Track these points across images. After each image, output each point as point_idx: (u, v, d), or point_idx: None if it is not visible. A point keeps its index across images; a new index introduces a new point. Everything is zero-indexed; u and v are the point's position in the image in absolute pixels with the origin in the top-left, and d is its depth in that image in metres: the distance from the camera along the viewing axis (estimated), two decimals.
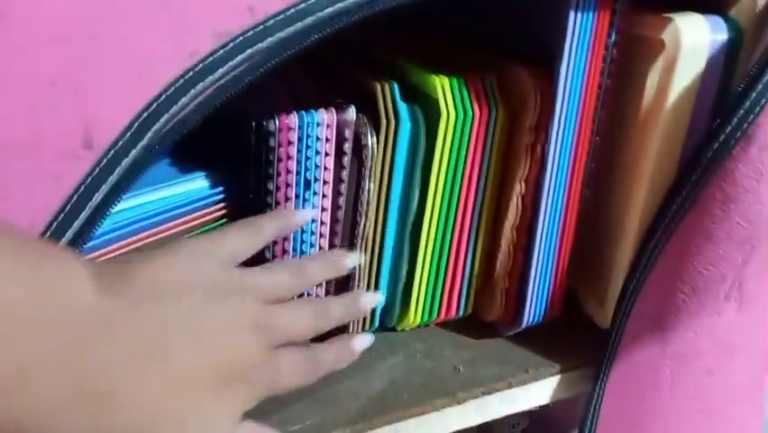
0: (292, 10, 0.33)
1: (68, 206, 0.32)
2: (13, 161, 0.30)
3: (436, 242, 0.51)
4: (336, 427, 0.46)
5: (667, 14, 0.44)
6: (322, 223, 0.49)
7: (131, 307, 0.33)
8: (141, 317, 0.34)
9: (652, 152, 0.46)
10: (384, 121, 0.46)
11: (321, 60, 0.54)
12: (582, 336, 0.53)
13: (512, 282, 0.52)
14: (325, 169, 0.47)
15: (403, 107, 0.46)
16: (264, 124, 0.44)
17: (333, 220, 0.49)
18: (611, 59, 0.46)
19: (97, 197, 0.32)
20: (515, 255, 0.51)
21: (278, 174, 0.46)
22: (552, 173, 0.48)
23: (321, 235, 0.49)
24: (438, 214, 0.50)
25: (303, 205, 0.47)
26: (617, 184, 0.50)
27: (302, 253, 0.49)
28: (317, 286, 0.51)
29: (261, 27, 0.33)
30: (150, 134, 0.32)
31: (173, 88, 0.32)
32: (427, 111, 0.47)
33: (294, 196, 0.47)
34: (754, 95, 0.40)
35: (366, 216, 0.49)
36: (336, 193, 0.48)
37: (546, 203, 0.49)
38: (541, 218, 0.49)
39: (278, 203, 0.47)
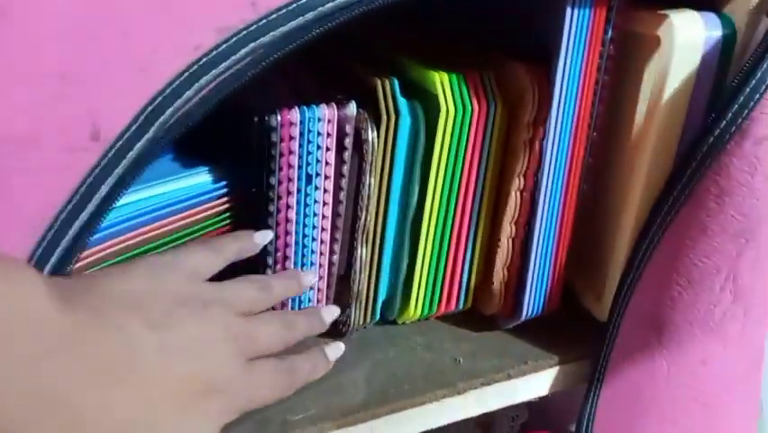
0: (294, 5, 0.34)
1: (76, 197, 0.33)
2: (22, 154, 0.31)
3: (436, 236, 0.52)
4: (339, 416, 0.47)
5: (662, 11, 0.44)
6: (323, 217, 0.49)
7: (90, 318, 0.32)
8: (102, 329, 0.33)
9: (648, 146, 0.47)
10: (384, 116, 0.47)
11: (322, 56, 0.55)
12: (580, 329, 0.54)
13: (511, 276, 0.53)
14: (326, 163, 0.48)
15: (403, 103, 0.47)
16: (266, 119, 0.45)
17: (335, 214, 0.50)
18: (608, 56, 0.47)
19: (104, 189, 0.33)
20: (513, 249, 0.52)
21: (280, 169, 0.47)
22: (549, 168, 0.49)
23: (323, 230, 0.50)
24: (438, 208, 0.50)
25: (305, 199, 0.48)
26: (614, 179, 0.51)
27: (304, 247, 0.50)
28: (318, 278, 0.52)
29: (264, 22, 0.33)
30: (155, 127, 0.33)
31: (178, 82, 0.32)
32: (427, 106, 0.47)
33: (295, 190, 0.48)
34: (747, 90, 0.40)
35: (367, 211, 0.50)
36: (337, 187, 0.49)
37: (544, 197, 0.49)
38: (539, 213, 0.50)
39: (279, 197, 0.48)
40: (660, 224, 0.46)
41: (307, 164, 0.47)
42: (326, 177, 0.48)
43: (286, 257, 0.50)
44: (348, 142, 0.47)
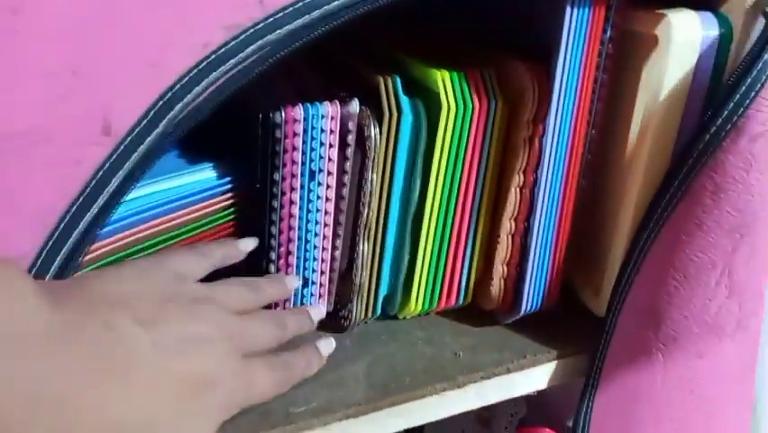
0: (300, 3, 0.34)
1: (87, 190, 0.33)
2: (35, 147, 0.31)
3: (437, 232, 0.52)
4: (341, 408, 0.48)
5: (660, 11, 0.45)
6: (326, 213, 0.50)
7: (79, 318, 0.32)
8: (92, 328, 0.32)
9: (645, 144, 0.47)
10: (387, 113, 0.47)
11: (325, 55, 0.55)
12: (579, 324, 0.55)
13: (510, 272, 0.54)
14: (329, 160, 0.48)
15: (405, 100, 0.48)
16: (270, 116, 0.46)
17: (337, 210, 0.51)
18: (607, 54, 0.47)
19: (114, 182, 0.34)
20: (513, 245, 0.53)
21: (284, 165, 0.48)
22: (549, 165, 0.49)
23: (325, 225, 0.51)
24: (439, 204, 0.51)
25: (308, 195, 0.49)
26: (613, 176, 0.52)
27: (307, 242, 0.51)
28: (320, 273, 0.53)
29: (271, 20, 0.34)
30: (165, 122, 0.33)
31: (187, 78, 0.33)
32: (429, 104, 0.48)
33: (299, 186, 0.48)
34: (743, 88, 0.41)
35: (369, 207, 0.50)
36: (340, 184, 0.50)
37: (544, 194, 0.50)
38: (538, 209, 0.51)
39: (283, 193, 0.48)
40: (657, 220, 0.46)
41: (311, 160, 0.48)
42: (329, 173, 0.49)
43: (289, 252, 0.51)
44: (351, 138, 0.48)
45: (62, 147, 0.32)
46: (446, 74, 0.47)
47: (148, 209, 0.46)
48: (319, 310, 0.52)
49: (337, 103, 0.47)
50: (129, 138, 0.33)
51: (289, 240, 0.50)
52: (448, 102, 0.47)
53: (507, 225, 0.52)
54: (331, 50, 0.55)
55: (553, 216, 0.51)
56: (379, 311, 0.56)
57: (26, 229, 0.33)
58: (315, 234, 0.51)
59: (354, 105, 0.47)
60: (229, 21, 0.33)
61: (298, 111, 0.46)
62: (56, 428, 0.29)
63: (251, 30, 0.34)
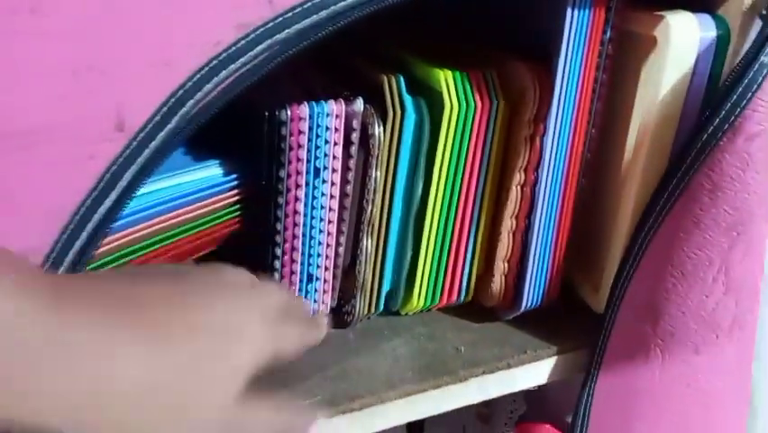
0: (309, 3, 0.35)
1: (100, 185, 0.34)
2: (52, 143, 0.32)
3: (439, 229, 0.53)
4: (345, 401, 0.49)
5: (659, 12, 0.46)
6: (330, 210, 0.51)
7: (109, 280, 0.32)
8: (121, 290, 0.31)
9: (644, 143, 0.48)
10: (390, 112, 0.48)
11: (330, 55, 0.56)
12: (578, 320, 0.56)
13: (511, 269, 0.54)
14: (334, 157, 0.49)
15: (408, 99, 0.49)
16: (276, 114, 0.46)
17: (341, 207, 0.51)
18: (606, 55, 0.48)
19: (127, 177, 0.35)
20: (514, 242, 0.54)
21: (290, 162, 0.48)
22: (549, 163, 0.50)
23: (329, 222, 0.51)
24: (441, 202, 0.52)
25: (312, 192, 0.50)
26: (612, 174, 0.52)
27: (311, 238, 0.51)
28: (324, 269, 0.54)
29: (280, 19, 0.35)
30: (176, 118, 0.34)
31: (198, 76, 0.34)
32: (432, 103, 0.49)
33: (304, 183, 0.49)
34: (740, 89, 0.42)
35: (372, 203, 0.51)
36: (344, 181, 0.50)
37: (544, 192, 0.51)
38: (539, 207, 0.51)
39: (288, 190, 0.49)
40: (655, 218, 0.47)
41: (315, 158, 0.49)
42: (334, 170, 0.50)
43: (293, 248, 0.52)
44: (355, 136, 0.49)
45: (77, 143, 0.33)
46: (449, 74, 0.48)
47: (156, 205, 0.47)
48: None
49: (342, 102, 0.48)
50: (141, 134, 0.34)
51: (294, 236, 0.51)
52: (451, 101, 0.48)
53: (507, 223, 0.53)
54: (336, 50, 0.56)
55: (554, 214, 0.52)
56: (381, 307, 0.57)
57: (41, 222, 0.34)
58: (320, 231, 0.51)
59: (359, 104, 0.48)
60: (240, 20, 0.34)
61: (304, 109, 0.47)
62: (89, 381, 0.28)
63: (261, 29, 0.35)
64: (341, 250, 0.53)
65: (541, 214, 0.52)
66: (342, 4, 0.36)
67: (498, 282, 0.55)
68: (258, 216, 0.51)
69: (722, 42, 0.46)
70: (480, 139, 0.50)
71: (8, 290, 0.27)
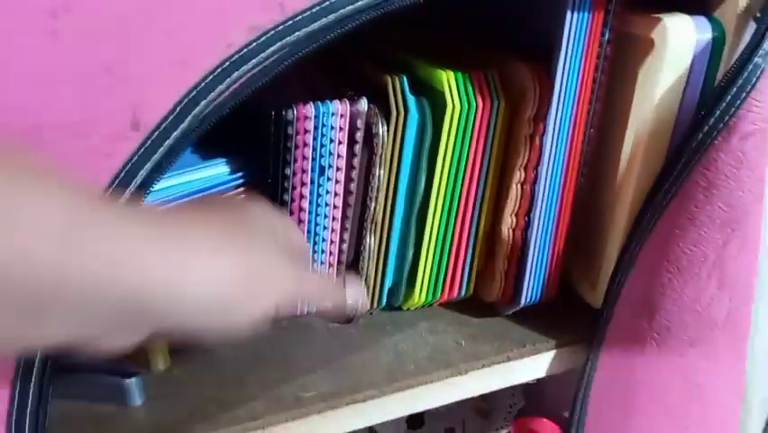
0: (317, 7, 0.36)
1: (116, 181, 0.35)
2: (70, 140, 0.33)
3: (441, 226, 0.54)
4: (348, 393, 0.50)
5: (656, 15, 0.47)
6: (334, 207, 0.52)
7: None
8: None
9: (642, 142, 0.49)
10: (394, 112, 0.49)
11: (336, 57, 0.57)
12: (576, 316, 0.57)
13: (511, 265, 0.55)
14: (338, 156, 0.50)
15: (412, 99, 0.50)
16: (283, 113, 0.48)
17: (345, 204, 0.52)
18: (605, 56, 0.49)
19: (142, 174, 0.36)
20: (514, 239, 0.55)
21: (295, 160, 0.49)
22: (549, 162, 0.51)
23: (333, 219, 0.53)
24: (443, 199, 0.53)
25: (317, 189, 0.51)
26: (610, 173, 0.53)
27: (315, 235, 0.53)
28: (328, 265, 0.55)
29: (290, 22, 0.36)
30: (190, 118, 0.35)
31: (212, 77, 0.35)
32: (434, 103, 0.50)
33: (309, 181, 0.50)
34: (735, 89, 0.43)
35: (375, 201, 0.52)
36: (348, 179, 0.51)
37: (544, 190, 0.52)
38: (538, 204, 0.52)
39: (294, 187, 0.50)
40: (652, 215, 0.48)
41: (321, 156, 0.50)
42: (338, 168, 0.51)
43: None
44: (359, 135, 0.50)
45: (95, 141, 0.34)
46: (451, 74, 0.49)
47: (166, 202, 0.48)
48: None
49: (347, 101, 0.49)
50: (156, 133, 0.35)
51: None
52: (453, 101, 0.49)
53: (508, 220, 0.54)
54: (341, 51, 0.57)
55: (553, 212, 0.53)
56: (384, 302, 0.58)
57: None
58: (324, 228, 0.53)
59: (363, 104, 0.49)
60: (252, 23, 0.35)
61: (310, 109, 0.48)
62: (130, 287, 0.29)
63: (272, 32, 0.36)
64: (344, 246, 0.54)
65: (540, 211, 0.53)
66: (350, 7, 0.37)
67: (498, 278, 0.56)
68: None
69: (717, 44, 0.47)
70: (482, 138, 0.51)
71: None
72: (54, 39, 0.32)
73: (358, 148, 0.50)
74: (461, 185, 0.53)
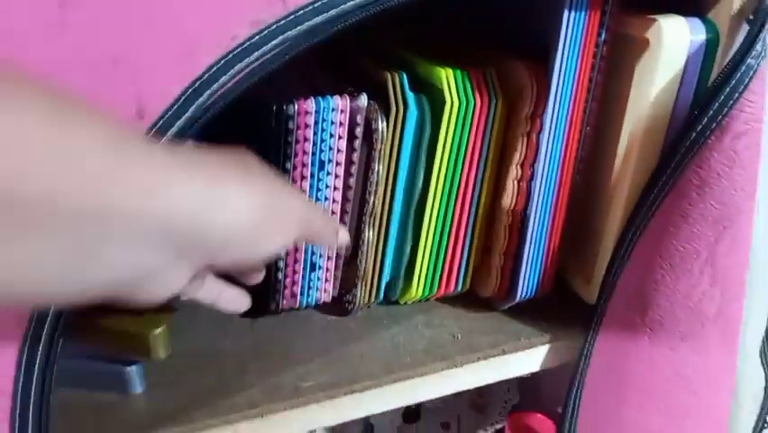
0: (319, 2, 0.37)
1: None
2: None
3: (438, 221, 0.55)
4: (346, 384, 0.51)
5: (652, 16, 0.48)
6: (334, 201, 0.53)
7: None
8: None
9: (636, 141, 0.50)
10: (393, 108, 0.50)
11: (337, 54, 0.58)
12: (571, 311, 0.58)
13: (507, 260, 0.56)
14: (338, 151, 0.51)
15: (411, 96, 0.51)
16: (284, 108, 0.48)
17: (344, 199, 0.53)
18: (601, 56, 0.50)
19: None
20: (510, 235, 0.55)
21: (296, 154, 0.50)
22: (545, 159, 0.52)
23: (332, 213, 0.53)
24: (441, 195, 0.54)
25: (317, 183, 0.52)
26: (605, 171, 0.54)
27: None
28: (327, 259, 0.56)
29: (292, 17, 0.37)
30: (193, 107, 0.36)
31: (215, 68, 0.36)
32: (433, 100, 0.51)
33: (309, 175, 0.51)
34: (727, 89, 0.44)
35: (374, 196, 0.53)
36: (347, 174, 0.52)
37: (540, 187, 0.53)
38: (535, 201, 0.53)
39: (294, 181, 0.51)
40: (646, 212, 0.49)
41: (321, 151, 0.51)
42: (338, 163, 0.52)
43: None
44: (359, 131, 0.51)
45: None
46: (450, 72, 0.50)
47: None
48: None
49: (347, 97, 0.50)
50: (161, 122, 0.36)
51: None
52: (451, 98, 0.50)
53: (504, 217, 0.55)
54: (342, 48, 0.58)
55: (548, 208, 0.54)
56: (381, 296, 0.59)
57: None
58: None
59: (363, 100, 0.50)
60: (255, 17, 0.36)
61: (310, 104, 0.49)
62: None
63: (274, 26, 0.37)
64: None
65: (536, 208, 0.54)
66: (351, 3, 0.38)
67: (494, 274, 0.57)
68: None
69: (711, 45, 0.48)
70: (479, 135, 0.52)
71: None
72: (62, 29, 0.33)
73: (357, 143, 0.51)
74: (459, 181, 0.54)
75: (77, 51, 0.33)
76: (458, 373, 0.54)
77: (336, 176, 0.52)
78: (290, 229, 0.38)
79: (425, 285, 0.58)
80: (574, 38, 0.49)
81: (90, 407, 0.50)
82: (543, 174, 0.53)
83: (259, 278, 0.50)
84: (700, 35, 0.47)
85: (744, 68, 0.43)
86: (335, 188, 0.53)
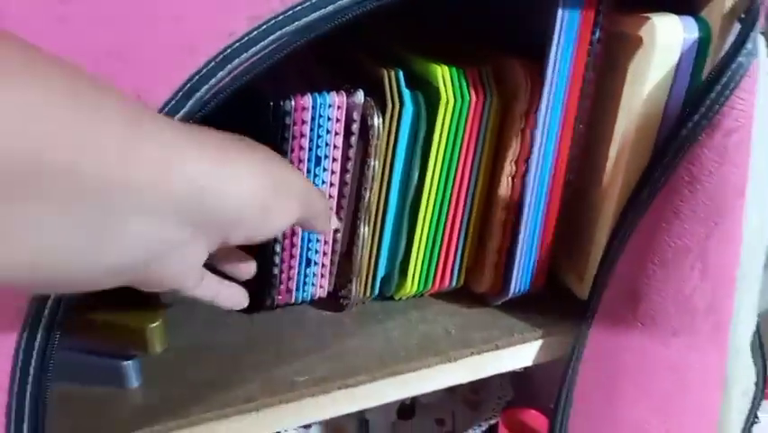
0: None
1: None
2: None
3: (433, 217, 0.56)
4: (340, 378, 0.51)
5: (645, 14, 0.48)
6: (330, 197, 0.53)
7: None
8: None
9: (629, 138, 0.51)
10: (389, 105, 0.51)
11: (333, 50, 0.59)
12: (564, 306, 0.58)
13: (501, 256, 0.57)
14: (335, 147, 0.51)
15: (407, 93, 0.51)
16: (281, 104, 0.49)
17: (340, 194, 0.54)
18: (595, 54, 0.50)
19: None
20: (504, 231, 0.56)
21: (292, 150, 0.51)
22: (539, 156, 0.53)
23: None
24: (436, 191, 0.54)
25: (314, 179, 0.52)
26: (598, 167, 0.55)
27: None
28: (322, 254, 0.56)
29: (290, 13, 0.37)
30: (191, 102, 0.37)
31: (213, 63, 0.36)
32: (429, 97, 0.51)
33: (305, 170, 0.52)
34: (719, 87, 0.44)
35: (370, 192, 0.53)
36: (344, 169, 0.53)
37: (533, 183, 0.53)
38: (528, 197, 0.54)
39: None
40: (638, 209, 0.49)
41: (317, 147, 0.51)
42: (334, 159, 0.52)
43: (293, 233, 0.54)
44: (355, 127, 0.51)
45: None
46: (446, 69, 0.50)
47: None
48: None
49: (343, 93, 0.50)
50: None
51: None
52: (447, 95, 0.50)
53: (498, 213, 0.55)
54: (339, 45, 0.58)
55: (542, 204, 0.55)
56: (376, 292, 0.59)
57: None
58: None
59: (359, 96, 0.50)
60: (253, 12, 0.37)
61: (307, 100, 0.49)
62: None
63: (272, 21, 0.37)
64: (338, 236, 0.56)
65: (530, 204, 0.54)
66: (347, 0, 0.38)
67: (487, 270, 0.57)
68: None
69: (704, 43, 0.48)
70: (474, 132, 0.53)
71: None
72: (62, 24, 0.33)
73: (354, 139, 0.51)
74: (454, 177, 0.54)
75: (77, 46, 0.34)
76: (451, 368, 0.54)
77: (332, 172, 0.52)
78: (294, 206, 0.39)
79: (419, 281, 0.58)
80: (568, 36, 0.49)
81: (87, 401, 0.50)
82: (536, 170, 0.53)
83: (251, 271, 0.50)
84: (693, 34, 0.48)
85: (735, 66, 0.44)
86: (331, 184, 0.53)
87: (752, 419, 0.59)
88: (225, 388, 0.50)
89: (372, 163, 0.52)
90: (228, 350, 0.54)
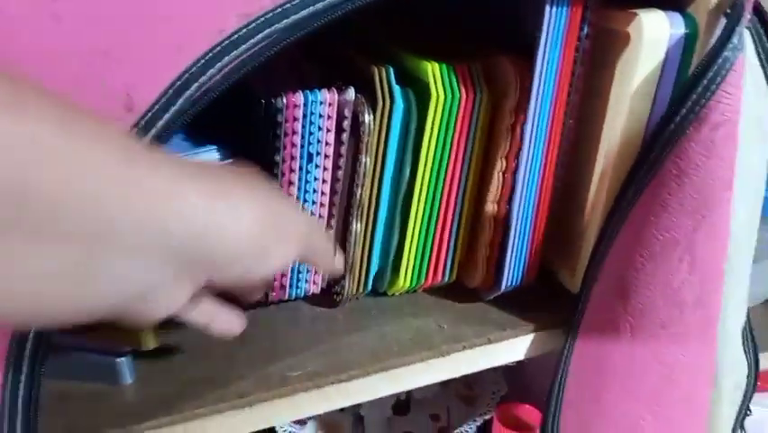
0: None
1: None
2: None
3: (425, 213, 0.56)
4: (333, 373, 0.51)
5: (632, 10, 0.49)
6: (322, 193, 0.54)
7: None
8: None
9: (617, 132, 0.51)
10: (380, 101, 0.51)
11: (324, 47, 0.59)
12: (555, 300, 0.59)
13: (493, 251, 0.57)
14: (326, 143, 0.52)
15: (397, 90, 0.51)
16: (273, 101, 0.49)
17: (332, 191, 0.54)
18: (583, 50, 0.51)
19: None
20: (495, 226, 0.56)
21: (284, 147, 0.51)
22: (529, 151, 0.53)
23: (321, 205, 0.54)
24: (427, 187, 0.55)
25: (305, 176, 0.52)
26: (588, 163, 0.55)
27: None
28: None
29: (279, 10, 0.38)
30: (181, 100, 0.37)
31: (203, 61, 0.37)
32: (419, 93, 0.52)
33: (297, 168, 0.52)
34: (705, 81, 0.45)
35: (362, 188, 0.54)
36: (335, 166, 0.53)
37: (524, 178, 0.54)
38: (519, 192, 0.54)
39: (282, 174, 0.52)
40: (627, 202, 0.50)
41: (309, 144, 0.51)
42: (326, 156, 0.52)
43: None
44: (346, 124, 0.51)
45: None
46: (436, 66, 0.51)
47: None
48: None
49: (335, 90, 0.50)
50: (149, 114, 0.37)
51: None
52: (437, 92, 0.51)
53: (489, 208, 0.56)
54: (330, 42, 0.59)
55: (533, 199, 0.55)
56: (369, 288, 0.59)
57: None
58: (311, 214, 0.54)
59: (350, 93, 0.50)
60: (243, 10, 0.37)
61: (299, 97, 0.49)
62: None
63: (262, 18, 0.38)
64: (331, 232, 0.56)
65: (521, 199, 0.55)
66: None
67: (479, 265, 0.58)
68: None
69: (691, 39, 0.49)
70: (465, 128, 0.53)
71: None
72: (55, 22, 0.33)
73: (345, 136, 0.52)
74: (445, 173, 0.54)
75: (68, 44, 0.34)
76: (444, 363, 0.55)
77: (324, 168, 0.53)
78: (293, 244, 0.38)
79: (412, 276, 0.58)
80: (556, 32, 0.50)
81: (80, 397, 0.50)
82: (527, 166, 0.54)
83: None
84: (680, 29, 0.48)
85: (721, 60, 0.44)
86: (324, 181, 0.53)
87: (744, 411, 0.59)
88: (219, 383, 0.51)
89: (364, 160, 0.53)
90: (221, 346, 0.54)
